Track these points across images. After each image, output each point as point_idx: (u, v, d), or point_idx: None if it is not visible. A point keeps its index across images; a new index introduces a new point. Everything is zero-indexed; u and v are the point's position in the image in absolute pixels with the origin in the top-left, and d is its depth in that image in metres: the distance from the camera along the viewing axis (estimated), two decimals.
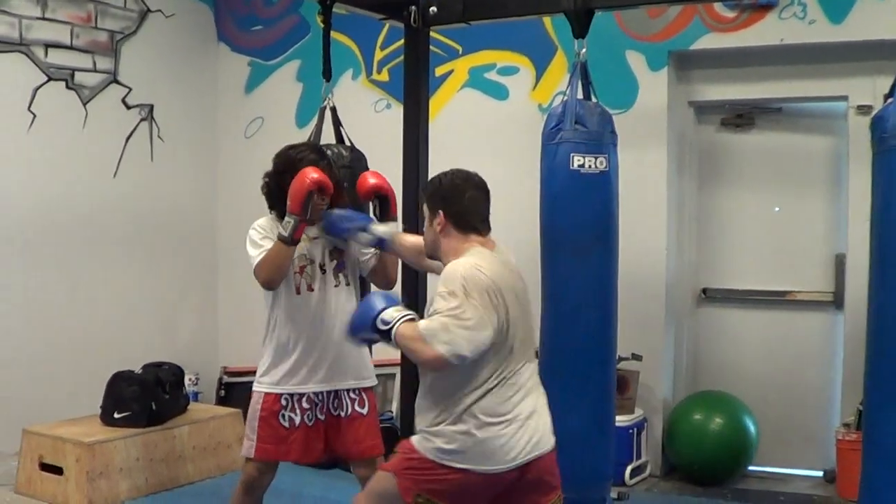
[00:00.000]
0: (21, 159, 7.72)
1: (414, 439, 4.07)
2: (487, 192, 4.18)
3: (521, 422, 3.93)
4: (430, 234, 4.19)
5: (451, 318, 3.78)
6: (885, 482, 4.97)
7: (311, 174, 4.64)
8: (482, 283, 3.85)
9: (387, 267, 5.01)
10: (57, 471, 6.54)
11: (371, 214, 5.01)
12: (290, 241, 4.63)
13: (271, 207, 4.89)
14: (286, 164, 4.83)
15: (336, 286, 4.88)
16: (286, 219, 4.63)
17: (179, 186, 9.02)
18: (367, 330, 4.04)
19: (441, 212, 4.10)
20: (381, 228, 4.82)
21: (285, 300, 4.80)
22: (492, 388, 3.90)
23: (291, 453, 4.83)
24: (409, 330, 3.89)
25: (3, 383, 7.55)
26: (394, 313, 3.97)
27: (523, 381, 4.00)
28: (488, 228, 4.14)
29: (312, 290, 4.82)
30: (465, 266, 3.91)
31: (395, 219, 5.00)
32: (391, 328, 3.93)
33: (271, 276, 4.70)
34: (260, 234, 4.79)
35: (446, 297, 3.83)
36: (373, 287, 5.14)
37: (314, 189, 4.63)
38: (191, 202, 9.15)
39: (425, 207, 4.20)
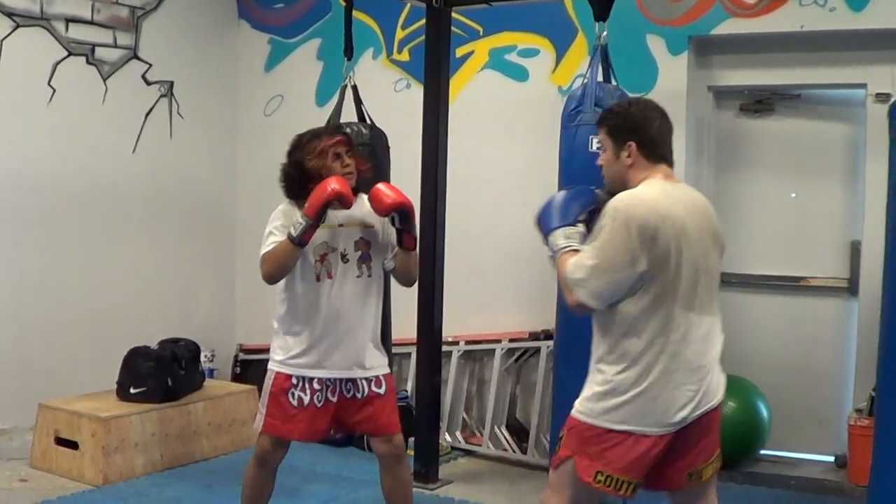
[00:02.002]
0: (40, 134, 7.73)
1: (575, 411, 3.84)
2: (671, 122, 4.00)
3: (688, 375, 3.68)
4: (615, 168, 3.93)
5: (591, 258, 3.66)
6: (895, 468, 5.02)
7: (334, 184, 4.57)
8: (637, 217, 3.62)
9: (409, 267, 4.94)
10: (72, 445, 6.58)
11: (391, 225, 4.82)
12: (298, 242, 4.59)
13: (288, 196, 4.85)
14: (296, 144, 4.85)
15: (358, 276, 4.82)
16: (298, 219, 4.60)
17: (198, 163, 9.04)
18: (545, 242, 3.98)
19: (633, 143, 3.85)
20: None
21: (303, 285, 4.77)
22: (657, 336, 3.66)
23: (296, 432, 4.81)
24: (562, 267, 3.78)
25: (19, 357, 7.59)
26: (559, 240, 3.88)
27: (702, 332, 3.75)
28: (672, 161, 3.96)
29: (331, 277, 4.77)
30: (627, 197, 3.73)
31: (414, 229, 4.85)
32: (554, 256, 3.88)
33: (273, 272, 4.69)
34: (275, 223, 4.76)
35: (596, 233, 3.70)
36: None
37: (333, 199, 4.57)
38: (210, 179, 9.17)
39: (607, 140, 3.94)
